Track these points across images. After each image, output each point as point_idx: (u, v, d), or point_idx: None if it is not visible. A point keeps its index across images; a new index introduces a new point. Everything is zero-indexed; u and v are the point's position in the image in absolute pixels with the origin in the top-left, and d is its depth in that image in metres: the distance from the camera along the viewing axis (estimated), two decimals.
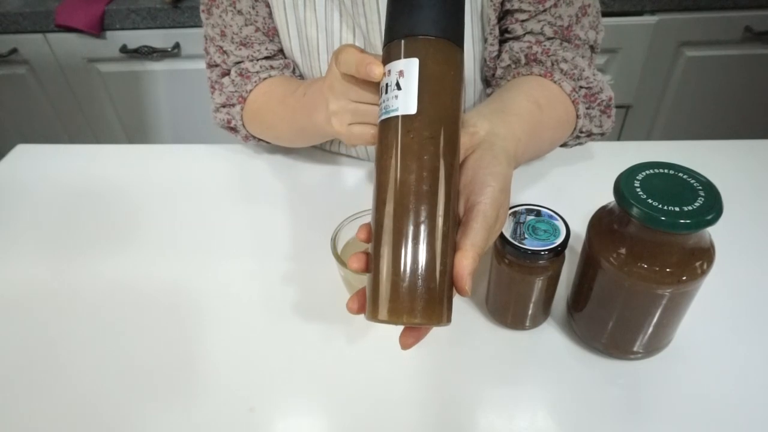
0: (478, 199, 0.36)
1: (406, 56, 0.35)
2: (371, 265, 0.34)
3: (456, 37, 0.36)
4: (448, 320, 0.34)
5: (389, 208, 0.34)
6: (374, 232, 0.35)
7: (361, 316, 0.53)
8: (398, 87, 0.35)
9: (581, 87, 0.61)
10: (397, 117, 0.35)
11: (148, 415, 0.46)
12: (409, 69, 0.35)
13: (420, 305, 0.32)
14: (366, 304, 0.35)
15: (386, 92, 0.36)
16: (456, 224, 0.35)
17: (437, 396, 0.46)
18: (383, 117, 0.36)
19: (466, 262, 0.33)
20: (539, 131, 0.55)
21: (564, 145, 0.65)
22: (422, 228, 0.33)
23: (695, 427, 0.43)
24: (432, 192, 0.34)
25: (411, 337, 0.36)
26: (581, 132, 0.63)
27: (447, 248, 0.34)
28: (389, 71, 0.36)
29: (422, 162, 0.34)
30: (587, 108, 0.62)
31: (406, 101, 0.35)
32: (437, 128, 0.35)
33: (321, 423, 0.45)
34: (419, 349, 0.50)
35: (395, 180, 0.34)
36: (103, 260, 0.61)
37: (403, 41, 0.36)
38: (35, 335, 0.53)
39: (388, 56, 0.36)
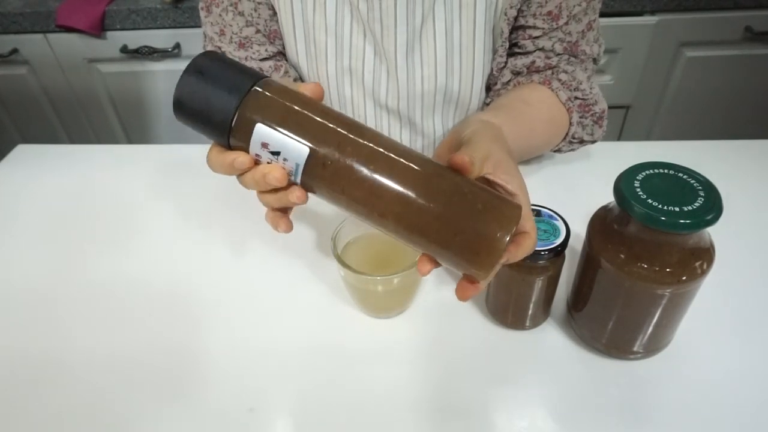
0: (462, 141, 0.41)
1: (249, 130, 0.35)
2: (437, 252, 0.36)
3: (251, 79, 0.36)
4: (516, 206, 0.35)
5: (393, 212, 0.35)
6: (406, 236, 0.36)
7: (363, 317, 0.53)
8: (275, 153, 0.35)
9: (576, 97, 0.63)
10: (305, 165, 0.35)
11: (148, 414, 0.46)
12: (264, 135, 0.35)
13: (495, 224, 0.34)
14: (474, 273, 0.36)
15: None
16: (437, 163, 0.37)
17: (437, 396, 0.46)
18: (300, 179, 0.36)
19: (470, 167, 0.36)
20: (527, 121, 0.57)
21: (557, 150, 0.67)
22: (423, 191, 0.34)
23: (695, 426, 0.43)
24: (395, 168, 0.35)
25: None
26: (573, 138, 0.65)
27: (458, 179, 0.35)
28: (255, 153, 0.36)
29: (363, 166, 0.34)
30: (581, 117, 0.64)
31: (293, 153, 0.35)
32: (333, 136, 0.35)
33: (321, 423, 0.45)
34: (419, 349, 0.50)
35: (368, 199, 0.35)
36: (103, 260, 0.61)
37: (232, 126, 0.35)
38: (35, 335, 0.53)
39: (242, 144, 0.36)
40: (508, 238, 0.34)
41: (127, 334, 0.53)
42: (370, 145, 0.35)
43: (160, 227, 0.66)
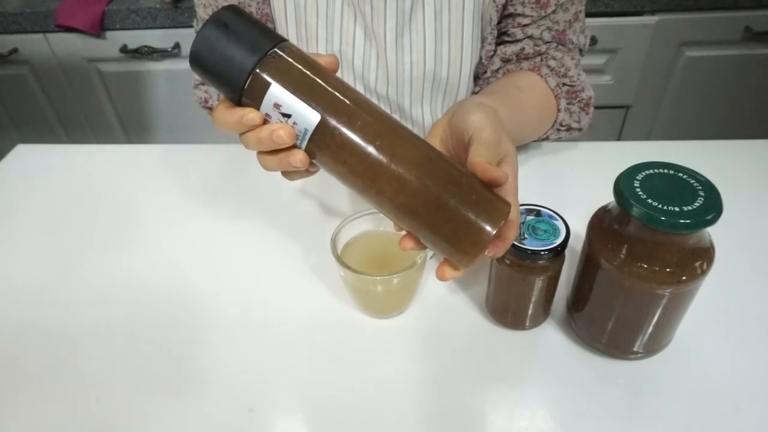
0: (467, 131, 0.39)
1: (263, 89, 0.35)
2: (426, 235, 0.36)
3: (271, 40, 0.36)
4: (507, 204, 0.36)
5: (390, 191, 0.35)
6: (398, 215, 0.36)
7: (363, 317, 0.53)
8: (286, 115, 0.36)
9: (564, 84, 0.64)
10: (313, 132, 0.35)
11: (147, 414, 0.46)
12: (277, 96, 0.35)
13: (485, 217, 0.35)
14: (457, 260, 0.36)
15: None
16: (438, 150, 0.37)
17: (437, 396, 0.46)
18: (305, 144, 0.37)
19: (480, 167, 0.36)
20: (520, 107, 0.57)
21: (545, 138, 0.67)
22: (422, 174, 0.35)
23: (695, 426, 0.43)
24: (399, 149, 0.35)
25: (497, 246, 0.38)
26: (561, 125, 0.66)
27: (456, 168, 0.36)
28: (265, 113, 0.36)
29: (369, 141, 0.35)
30: (568, 103, 0.65)
31: (304, 118, 0.35)
32: (344, 108, 0.35)
33: (321, 423, 0.45)
34: (419, 349, 0.50)
35: (368, 175, 0.35)
36: (103, 260, 0.61)
37: (247, 83, 0.35)
38: (35, 335, 0.53)
39: (253, 103, 0.36)
40: (495, 232, 0.34)
41: (126, 334, 0.53)
42: (379, 122, 0.36)
43: (160, 228, 0.66)
